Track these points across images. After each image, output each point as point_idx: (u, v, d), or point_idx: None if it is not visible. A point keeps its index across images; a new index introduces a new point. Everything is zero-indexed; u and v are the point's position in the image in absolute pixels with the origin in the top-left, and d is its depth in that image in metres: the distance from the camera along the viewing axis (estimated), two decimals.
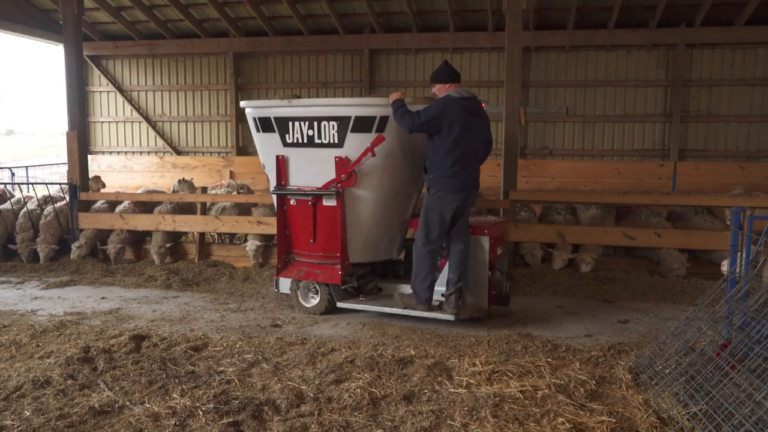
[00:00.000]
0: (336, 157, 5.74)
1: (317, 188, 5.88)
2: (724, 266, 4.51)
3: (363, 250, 6.09)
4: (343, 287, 6.09)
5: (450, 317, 5.61)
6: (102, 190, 10.13)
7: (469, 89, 5.68)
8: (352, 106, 5.71)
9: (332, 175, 5.80)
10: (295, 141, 5.96)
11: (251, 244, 8.11)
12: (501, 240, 5.98)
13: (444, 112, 5.42)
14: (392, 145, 5.72)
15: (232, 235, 9.22)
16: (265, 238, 8.29)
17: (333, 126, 5.71)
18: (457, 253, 5.69)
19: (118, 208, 8.78)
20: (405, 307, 5.76)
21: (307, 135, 5.85)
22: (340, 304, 6.07)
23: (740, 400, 3.46)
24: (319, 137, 5.80)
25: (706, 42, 11.43)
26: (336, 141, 5.74)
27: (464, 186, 5.57)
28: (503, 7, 7.92)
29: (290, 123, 5.93)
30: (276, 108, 6.00)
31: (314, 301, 6.19)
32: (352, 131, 5.67)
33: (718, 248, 7.07)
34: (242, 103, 6.36)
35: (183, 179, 10.21)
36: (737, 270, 4.44)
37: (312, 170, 5.92)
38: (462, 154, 5.50)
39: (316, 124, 5.79)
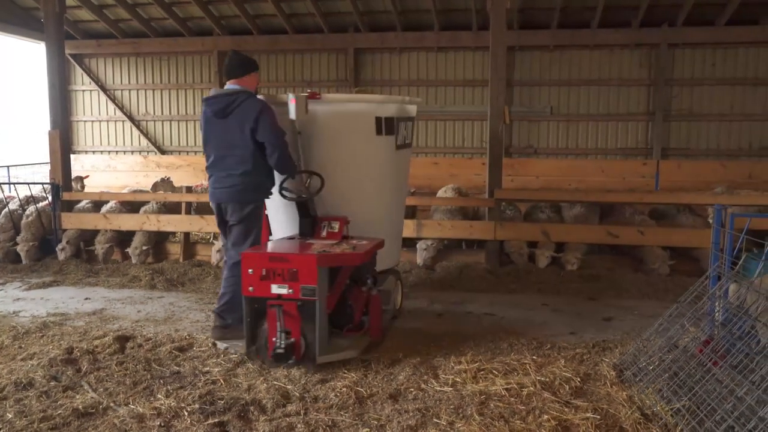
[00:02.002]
0: None
1: None
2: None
3: None
4: None
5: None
6: (85, 191, 10.05)
7: (233, 87, 5.04)
8: None
9: None
10: None
11: (216, 246, 8.10)
12: (290, 276, 4.54)
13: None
14: None
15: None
16: None
17: None
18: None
19: (104, 208, 8.70)
20: None
21: None
22: None
23: (722, 395, 3.50)
24: None
25: (687, 42, 11.55)
26: None
27: (212, 195, 5.15)
28: (487, 6, 7.94)
29: None
30: None
31: None
32: None
33: (701, 246, 7.15)
34: None
35: (163, 178, 10.14)
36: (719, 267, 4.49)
37: None
38: (211, 161, 5.08)
39: None
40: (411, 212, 8.64)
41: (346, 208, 5.37)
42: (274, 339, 4.53)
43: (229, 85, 5.09)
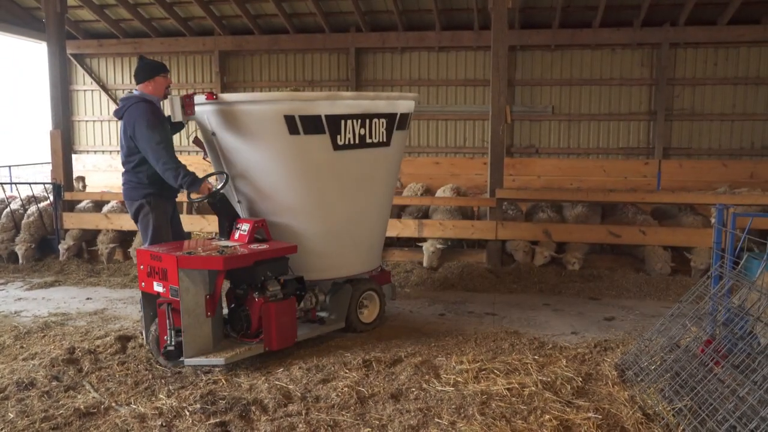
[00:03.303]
0: None
1: None
2: None
3: None
4: None
5: None
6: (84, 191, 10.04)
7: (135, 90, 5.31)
8: None
9: None
10: None
11: None
12: (163, 275, 4.54)
13: None
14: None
15: None
16: None
17: None
18: None
19: (105, 208, 8.71)
20: None
21: None
22: None
23: (724, 395, 3.49)
24: None
25: (689, 41, 11.52)
26: None
27: None
28: (489, 5, 7.94)
29: None
30: None
31: None
32: None
33: (702, 245, 7.15)
34: None
35: None
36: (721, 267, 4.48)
37: None
38: None
39: None
40: (424, 213, 8.64)
41: (264, 211, 5.30)
42: (165, 337, 4.55)
43: (135, 90, 5.30)
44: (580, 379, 4.24)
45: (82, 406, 3.87)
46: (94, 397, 4.05)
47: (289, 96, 5.22)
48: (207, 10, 12.14)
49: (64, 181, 8.90)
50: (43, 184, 9.34)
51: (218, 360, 4.54)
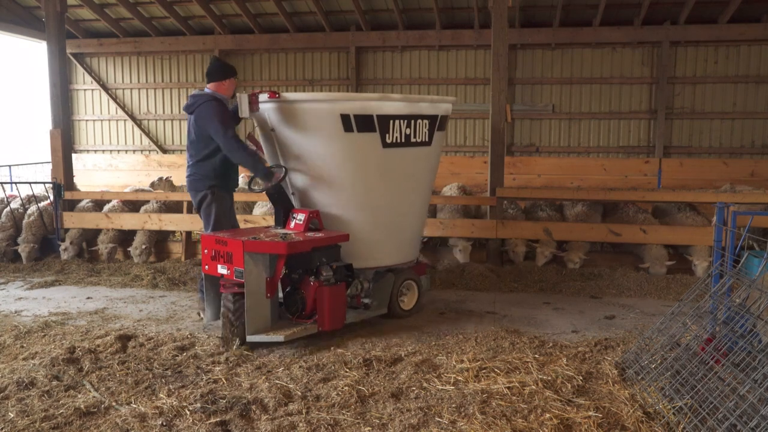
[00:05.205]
0: None
1: None
2: None
3: None
4: None
5: None
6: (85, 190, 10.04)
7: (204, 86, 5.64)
8: None
9: None
10: None
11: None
12: (228, 258, 4.93)
13: None
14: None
15: None
16: None
17: None
18: None
19: (106, 207, 8.71)
20: None
21: None
22: None
23: (725, 393, 3.49)
24: None
25: (690, 39, 11.53)
26: None
27: None
28: (489, 4, 7.94)
29: None
30: None
31: None
32: None
33: (703, 244, 7.14)
34: None
35: (161, 178, 10.15)
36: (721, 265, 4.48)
37: None
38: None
39: None
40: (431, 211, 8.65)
41: (317, 203, 5.62)
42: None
43: (206, 89, 5.62)
44: (581, 378, 4.24)
45: (82, 406, 3.87)
46: (94, 397, 4.05)
47: (345, 96, 5.66)
48: (207, 9, 12.15)
49: (65, 181, 8.90)
50: (44, 183, 9.34)
51: (278, 337, 4.89)
